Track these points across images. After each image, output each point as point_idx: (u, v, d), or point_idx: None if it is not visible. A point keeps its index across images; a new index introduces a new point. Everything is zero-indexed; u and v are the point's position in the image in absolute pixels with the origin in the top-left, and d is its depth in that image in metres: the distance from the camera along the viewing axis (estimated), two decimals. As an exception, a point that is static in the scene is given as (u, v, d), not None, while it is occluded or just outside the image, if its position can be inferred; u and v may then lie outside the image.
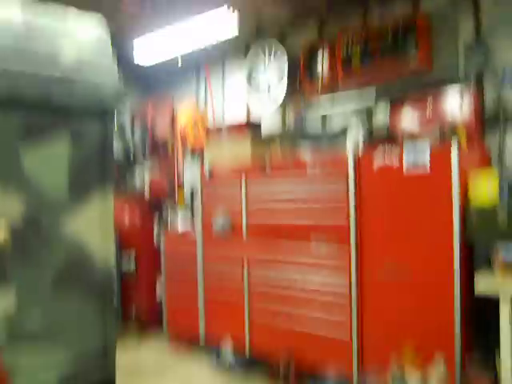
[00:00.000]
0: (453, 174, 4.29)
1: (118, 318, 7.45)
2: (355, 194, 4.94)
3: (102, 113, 3.15)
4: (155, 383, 5.94)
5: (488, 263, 4.08)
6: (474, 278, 4.01)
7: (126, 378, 5.64)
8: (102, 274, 3.00)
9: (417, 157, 4.46)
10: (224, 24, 6.43)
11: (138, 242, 7.79)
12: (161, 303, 7.47)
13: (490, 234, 4.15)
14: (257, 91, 7.53)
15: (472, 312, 4.48)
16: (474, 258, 4.33)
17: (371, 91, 6.23)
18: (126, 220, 7.81)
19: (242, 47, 7.83)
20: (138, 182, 8.64)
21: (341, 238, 5.04)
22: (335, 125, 6.65)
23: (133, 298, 7.69)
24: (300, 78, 6.92)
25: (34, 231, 2.75)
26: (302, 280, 5.41)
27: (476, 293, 3.91)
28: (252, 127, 6.59)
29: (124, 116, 8.78)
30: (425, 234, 4.51)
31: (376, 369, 4.50)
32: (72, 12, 3.21)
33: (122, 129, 8.68)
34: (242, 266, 6.05)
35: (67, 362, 2.87)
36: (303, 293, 5.41)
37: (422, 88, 5.75)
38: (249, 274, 6.01)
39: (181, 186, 8.46)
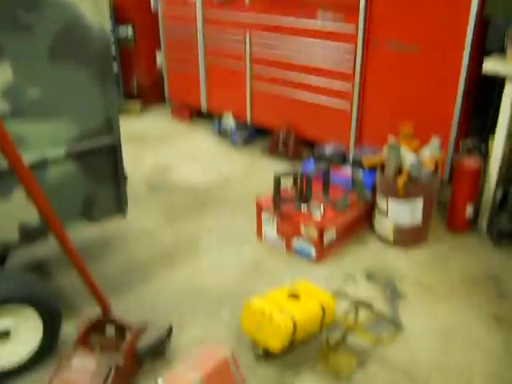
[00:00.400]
0: None
1: (120, 90, 7.48)
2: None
3: None
4: (159, 148, 6.23)
5: (501, 49, 3.90)
6: (483, 60, 3.88)
7: (131, 144, 6.01)
8: (99, 42, 2.91)
9: None
10: None
11: (136, 14, 7.35)
12: (161, 74, 7.40)
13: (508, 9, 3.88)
14: None
15: (473, 97, 4.49)
16: (486, 41, 4.16)
17: None
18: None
19: None
20: None
21: (350, 6, 4.75)
22: None
23: (133, 70, 7.57)
24: None
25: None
26: (306, 49, 5.26)
27: (483, 72, 3.83)
28: None
29: None
30: (439, 9, 4.24)
31: (373, 141, 4.68)
32: None
33: None
34: (244, 33, 5.81)
35: (72, 132, 2.97)
36: (307, 61, 5.31)
37: None
38: (251, 40, 5.79)
39: None
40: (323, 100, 5.29)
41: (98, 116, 3.05)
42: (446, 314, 3.31)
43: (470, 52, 4.17)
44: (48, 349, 2.89)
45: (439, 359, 2.94)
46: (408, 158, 3.78)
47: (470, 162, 4.00)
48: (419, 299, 3.44)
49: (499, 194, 4.04)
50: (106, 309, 2.79)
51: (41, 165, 2.85)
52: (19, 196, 2.82)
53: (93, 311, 2.88)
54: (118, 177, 3.24)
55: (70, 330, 2.99)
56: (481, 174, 4.08)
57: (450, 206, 4.23)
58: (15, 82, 2.67)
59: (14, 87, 2.68)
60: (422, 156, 3.93)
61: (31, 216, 2.91)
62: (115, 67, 7.15)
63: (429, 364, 2.90)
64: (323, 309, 2.95)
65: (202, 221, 4.49)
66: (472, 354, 2.98)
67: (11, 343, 2.78)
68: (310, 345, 3.02)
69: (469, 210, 4.14)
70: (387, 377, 2.81)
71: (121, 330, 2.87)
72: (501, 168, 4.01)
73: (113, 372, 2.52)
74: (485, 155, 4.11)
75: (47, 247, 3.81)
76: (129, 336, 2.75)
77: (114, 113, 3.12)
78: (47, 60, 2.75)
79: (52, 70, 2.79)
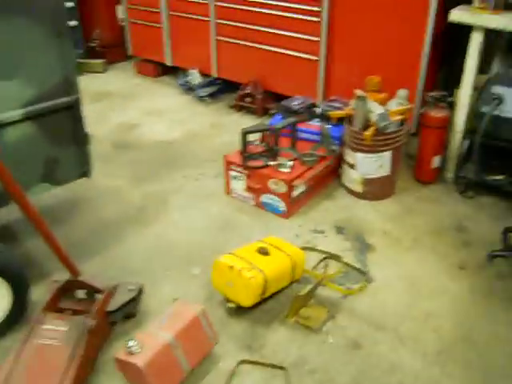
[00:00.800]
0: None
1: (81, 47, 7.18)
2: None
3: None
4: (123, 106, 6.07)
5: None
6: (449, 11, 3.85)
7: (95, 103, 5.85)
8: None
9: None
10: None
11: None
12: (123, 28, 7.14)
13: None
14: None
15: (440, 49, 4.48)
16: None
17: None
18: None
19: None
20: None
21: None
22: None
23: (93, 23, 7.26)
24: None
25: None
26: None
27: (449, 20, 3.80)
28: None
29: None
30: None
31: (340, 94, 4.64)
32: None
33: None
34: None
35: (28, 93, 2.83)
36: (273, 11, 5.18)
37: None
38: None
39: None
40: (291, 52, 5.20)
41: (55, 75, 2.91)
42: (413, 264, 3.37)
43: (437, 1, 4.13)
44: (17, 315, 2.84)
45: (407, 308, 3.01)
46: (375, 110, 3.76)
47: (437, 114, 4.01)
48: (387, 250, 3.50)
49: (465, 145, 4.08)
50: (74, 272, 2.75)
51: (-4, 127, 2.76)
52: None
53: (62, 275, 2.84)
54: (79, 137, 3.15)
55: (39, 295, 2.95)
56: (447, 125, 4.10)
57: (418, 157, 4.26)
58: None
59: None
60: (389, 108, 3.93)
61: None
62: (75, 22, 6.85)
63: (397, 313, 2.97)
64: (293, 262, 2.98)
65: (169, 178, 4.44)
66: (439, 303, 3.06)
67: (-21, 310, 2.75)
68: (280, 299, 3.06)
69: (436, 161, 4.18)
70: (357, 327, 2.87)
71: (91, 292, 2.85)
72: (467, 119, 4.04)
73: (85, 334, 2.51)
74: (451, 107, 4.13)
75: (11, 211, 3.73)
76: (99, 298, 2.74)
77: (72, 72, 2.99)
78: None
79: (1, 27, 2.63)
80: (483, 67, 4.07)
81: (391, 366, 2.63)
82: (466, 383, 2.54)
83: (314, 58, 5.03)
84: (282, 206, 3.80)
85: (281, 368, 2.60)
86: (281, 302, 3.02)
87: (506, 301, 3.06)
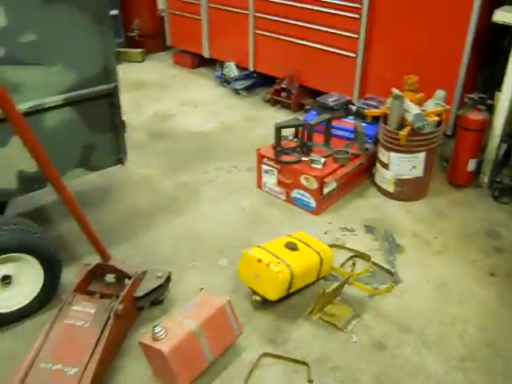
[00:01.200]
0: None
1: (121, 37, 7.29)
2: None
3: None
4: (160, 96, 6.13)
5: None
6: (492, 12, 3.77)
7: (132, 92, 5.92)
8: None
9: None
10: None
11: None
12: (163, 19, 7.20)
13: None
14: None
15: (481, 50, 4.38)
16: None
17: None
18: None
19: None
20: None
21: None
22: None
23: (134, 16, 7.35)
24: None
25: None
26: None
27: (492, 20, 3.72)
28: None
29: None
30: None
31: (377, 92, 4.60)
32: None
33: None
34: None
35: (69, 79, 2.89)
36: (314, 4, 5.13)
37: None
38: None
39: None
40: (328, 48, 5.17)
41: (95, 63, 2.97)
42: (442, 267, 3.33)
43: (481, 1, 4.05)
44: (48, 295, 2.94)
45: (434, 312, 2.98)
46: (411, 109, 3.72)
47: (475, 116, 3.93)
48: (417, 252, 3.46)
49: (503, 149, 4.00)
50: (105, 257, 2.81)
51: (37, 112, 2.81)
52: (16, 144, 2.79)
53: (92, 259, 2.91)
54: (116, 125, 3.20)
55: (70, 277, 3.03)
56: (485, 128, 4.02)
57: (453, 160, 4.19)
58: (9, 27, 2.58)
59: (8, 32, 2.59)
60: (425, 108, 3.87)
61: (29, 165, 2.88)
62: (116, 11, 6.95)
63: (423, 316, 2.94)
64: (320, 259, 2.98)
65: (202, 169, 4.48)
66: (466, 308, 3.02)
67: (13, 290, 2.83)
68: (306, 295, 3.07)
69: (471, 165, 4.10)
70: (382, 327, 2.86)
71: (120, 277, 2.92)
72: (506, 123, 3.95)
73: (112, 318, 2.57)
74: (490, 110, 4.04)
75: (47, 195, 3.82)
76: (128, 283, 2.79)
77: (112, 60, 3.04)
78: (41, 4, 2.65)
79: (46, 15, 2.69)
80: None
81: (414, 369, 2.61)
82: (490, 391, 2.52)
83: (352, 54, 4.98)
84: (312, 202, 3.79)
85: (303, 363, 2.61)
86: (306, 298, 3.03)
87: (537, 310, 3.00)
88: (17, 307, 2.84)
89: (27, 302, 2.86)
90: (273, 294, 2.81)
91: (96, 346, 2.47)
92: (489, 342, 2.79)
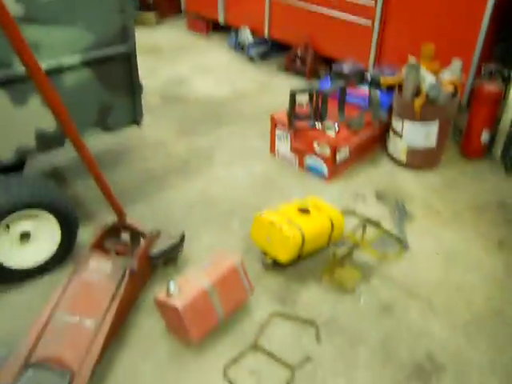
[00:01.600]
0: None
1: (136, 0, 7.24)
2: None
3: None
4: (173, 61, 6.13)
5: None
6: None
7: (145, 56, 5.91)
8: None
9: None
10: None
11: None
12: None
13: None
14: None
15: (500, 21, 4.32)
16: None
17: None
18: None
19: None
20: None
21: None
22: None
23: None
24: None
25: None
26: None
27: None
28: None
29: None
30: None
31: (392, 61, 4.57)
32: None
33: None
34: None
35: (87, 39, 2.92)
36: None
37: None
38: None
39: None
40: (345, 15, 5.12)
41: (113, 24, 2.99)
42: (451, 236, 3.37)
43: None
44: (65, 252, 3.02)
45: (441, 279, 3.03)
46: (427, 79, 3.70)
47: (491, 87, 3.91)
48: (426, 221, 3.50)
49: (517, 122, 3.99)
50: (121, 215, 2.87)
51: (56, 71, 2.84)
52: (35, 103, 2.84)
53: (108, 218, 2.98)
54: (133, 86, 3.23)
55: (86, 235, 3.11)
56: (500, 100, 4.00)
57: (466, 131, 4.19)
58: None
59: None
60: (441, 78, 3.86)
61: (47, 123, 2.94)
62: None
63: (430, 283, 3.00)
64: (332, 224, 3.02)
65: (215, 134, 4.51)
66: (473, 276, 3.07)
67: (31, 246, 2.90)
68: (317, 258, 3.13)
69: (484, 137, 4.10)
70: (389, 292, 2.92)
71: (135, 236, 2.98)
72: (522, 95, 3.94)
73: (127, 274, 2.64)
74: (506, 81, 4.01)
75: (64, 155, 3.89)
76: (143, 242, 2.86)
77: (130, 21, 3.05)
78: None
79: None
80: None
81: (420, 332, 2.68)
82: (492, 356, 2.57)
83: (368, 22, 4.93)
84: (324, 168, 3.83)
85: (311, 323, 2.69)
86: (317, 262, 3.09)
87: (543, 281, 3.05)
88: (35, 263, 2.92)
89: (45, 258, 2.94)
90: (284, 257, 2.87)
91: (112, 300, 2.55)
92: (495, 310, 2.84)
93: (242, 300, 2.75)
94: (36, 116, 2.88)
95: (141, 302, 2.82)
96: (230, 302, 2.65)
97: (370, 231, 3.34)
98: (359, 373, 2.47)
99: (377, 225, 3.38)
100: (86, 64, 2.96)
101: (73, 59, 2.88)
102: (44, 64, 2.70)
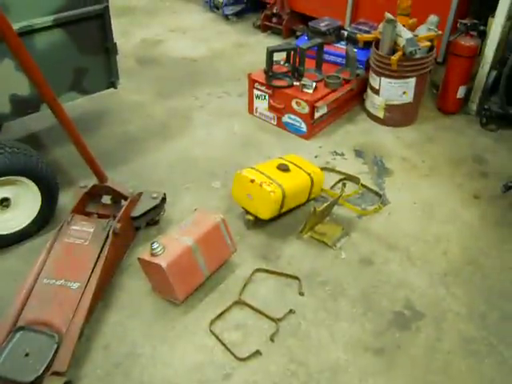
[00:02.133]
0: None
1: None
2: None
3: None
4: (148, 22, 6.00)
5: None
6: None
7: (119, 19, 5.77)
8: None
9: None
10: None
11: None
12: None
13: None
14: None
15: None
16: None
17: None
18: None
19: None
20: None
21: None
22: None
23: None
24: None
25: None
26: None
27: None
28: None
29: None
30: None
31: (369, 17, 4.55)
32: None
33: None
34: None
35: (59, 1, 2.83)
36: None
37: None
38: None
39: None
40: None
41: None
42: (428, 190, 3.44)
43: None
44: (46, 217, 3.02)
45: (419, 231, 3.11)
46: (404, 34, 3.70)
47: (467, 42, 3.93)
48: (404, 176, 3.56)
49: (492, 76, 4.02)
50: (102, 178, 2.86)
51: (28, 33, 2.76)
52: (9, 67, 2.78)
53: (88, 183, 2.95)
54: (107, 47, 3.17)
55: (66, 199, 3.11)
56: (476, 55, 4.03)
57: (443, 86, 4.22)
58: None
59: None
60: (417, 33, 3.86)
61: (22, 87, 2.89)
62: None
63: (409, 235, 3.08)
64: (311, 180, 3.07)
65: (193, 95, 4.47)
66: (449, 227, 3.15)
67: (12, 212, 2.90)
68: (297, 215, 3.18)
69: (460, 92, 4.14)
70: (369, 245, 2.99)
71: (116, 198, 2.99)
72: (497, 50, 3.96)
73: (110, 236, 2.66)
74: (482, 36, 4.03)
75: (39, 122, 3.84)
76: (124, 204, 2.87)
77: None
78: None
79: None
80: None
81: (399, 283, 2.76)
82: (469, 303, 2.67)
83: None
84: (303, 126, 3.84)
85: (294, 278, 2.75)
86: (298, 218, 3.14)
87: (517, 230, 3.15)
88: (16, 229, 2.92)
89: (26, 223, 2.94)
90: (265, 213, 2.92)
91: (96, 262, 2.57)
92: (470, 259, 2.94)
93: (226, 257, 2.80)
94: (9, 80, 2.82)
95: (125, 264, 2.85)
96: (213, 259, 2.70)
97: (350, 187, 3.40)
98: (341, 323, 2.55)
99: (356, 180, 3.44)
100: (58, 25, 2.88)
101: (44, 20, 2.81)
102: (15, 26, 2.64)
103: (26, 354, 2.20)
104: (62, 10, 2.86)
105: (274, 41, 5.39)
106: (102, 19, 3.06)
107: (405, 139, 3.94)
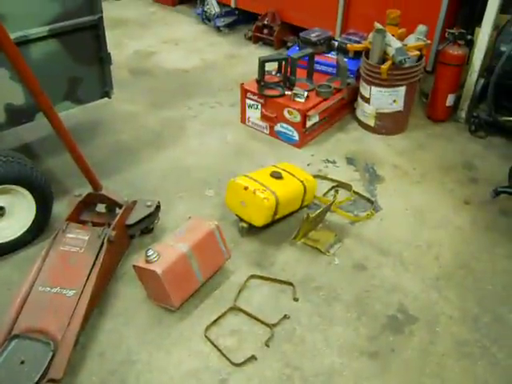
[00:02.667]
0: None
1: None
2: None
3: None
4: (140, 34, 6.06)
5: None
6: None
7: (112, 30, 5.82)
8: None
9: None
10: None
11: None
12: None
13: None
14: None
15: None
16: None
17: None
18: None
19: None
20: None
21: None
22: None
23: None
24: None
25: None
26: None
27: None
28: None
29: None
30: None
31: (359, 27, 4.62)
32: None
33: None
34: None
35: (53, 10, 2.87)
36: None
37: None
38: None
39: None
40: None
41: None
42: (419, 196, 3.48)
43: None
44: (41, 226, 3.03)
45: (411, 236, 3.15)
46: (393, 44, 3.77)
47: (455, 51, 4.00)
48: (396, 182, 3.60)
49: (480, 84, 4.09)
50: (96, 186, 2.88)
51: (22, 44, 2.79)
52: (3, 75, 2.80)
53: (82, 192, 2.97)
54: (101, 58, 3.20)
55: (60, 208, 3.12)
56: (464, 63, 4.10)
57: (432, 95, 4.28)
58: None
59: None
60: (407, 43, 3.93)
61: (17, 96, 2.92)
62: None
63: (401, 241, 3.11)
64: (304, 187, 3.11)
65: (186, 105, 4.51)
66: (441, 233, 3.19)
67: (6, 221, 2.91)
68: (291, 222, 3.21)
69: (449, 100, 4.20)
70: (362, 251, 3.02)
71: (111, 207, 3.01)
72: (484, 58, 4.03)
73: (105, 244, 2.67)
74: (470, 45, 4.11)
75: (33, 132, 3.86)
76: (119, 212, 2.88)
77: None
78: None
79: None
80: (505, 7, 4.01)
81: (393, 287, 2.79)
82: (461, 306, 2.70)
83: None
84: (295, 135, 3.88)
85: (289, 284, 2.77)
86: (291, 225, 3.17)
87: (507, 235, 3.18)
88: (11, 238, 2.93)
89: (20, 232, 2.95)
90: (259, 220, 2.94)
91: (91, 270, 2.58)
92: (462, 263, 2.97)
93: (220, 263, 2.82)
94: (4, 89, 2.85)
95: (119, 272, 2.86)
96: (208, 266, 2.72)
97: (342, 194, 3.44)
98: (336, 328, 2.57)
99: (348, 187, 3.48)
100: (53, 36, 2.92)
101: (39, 31, 2.85)
102: (11, 36, 2.68)
103: (22, 362, 2.19)
104: (57, 20, 2.89)
105: (266, 52, 5.44)
106: (96, 29, 3.10)
107: (396, 147, 3.99)
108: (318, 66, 4.22)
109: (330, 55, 4.34)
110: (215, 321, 2.57)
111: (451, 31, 4.04)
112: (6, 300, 2.45)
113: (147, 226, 3.04)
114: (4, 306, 2.41)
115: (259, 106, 3.99)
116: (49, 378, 2.16)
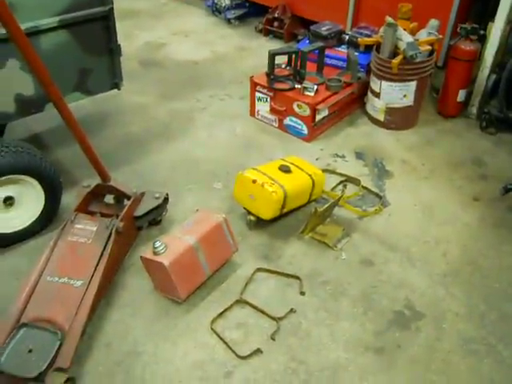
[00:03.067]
0: None
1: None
2: None
3: None
4: (151, 26, 6.04)
5: None
6: None
7: (122, 22, 5.81)
8: None
9: None
10: None
11: None
12: None
13: None
14: None
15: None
16: None
17: None
18: None
19: None
20: None
21: None
22: None
23: None
24: None
25: None
26: None
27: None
28: None
29: None
30: None
31: (370, 21, 4.58)
32: None
33: None
34: None
35: (64, 2, 2.86)
36: None
37: None
38: None
39: None
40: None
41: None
42: (428, 192, 3.47)
43: None
44: (50, 216, 3.05)
45: (419, 232, 3.13)
46: (404, 38, 3.74)
47: (467, 46, 3.96)
48: (404, 178, 3.59)
49: (492, 80, 4.06)
50: (105, 177, 2.89)
51: (33, 35, 2.78)
52: (14, 66, 2.81)
53: (91, 183, 2.98)
54: (112, 49, 3.20)
55: (69, 199, 3.12)
56: (476, 59, 4.06)
57: (443, 90, 4.25)
58: None
59: None
60: (418, 37, 3.90)
61: (26, 87, 2.92)
62: None
63: (409, 236, 3.10)
64: (312, 181, 3.10)
65: (195, 97, 4.51)
66: (450, 230, 3.18)
67: (16, 211, 2.93)
68: (298, 215, 3.21)
69: (460, 96, 4.17)
70: (370, 246, 3.02)
71: (119, 198, 3.02)
72: (496, 54, 3.99)
73: (113, 234, 2.68)
74: (482, 40, 4.07)
75: (43, 122, 3.87)
76: (127, 203, 2.89)
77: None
78: None
79: None
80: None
81: (400, 283, 2.79)
82: (468, 303, 2.70)
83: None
84: (304, 129, 3.87)
85: (295, 277, 2.78)
86: (299, 219, 3.17)
87: (516, 232, 3.17)
88: (20, 227, 2.95)
89: (29, 222, 2.97)
90: (267, 214, 2.94)
91: (99, 260, 2.59)
92: (469, 260, 2.96)
93: (227, 256, 2.83)
94: (14, 79, 2.85)
95: (127, 264, 2.88)
96: (215, 258, 2.73)
97: (350, 188, 3.43)
98: (342, 323, 2.57)
99: (356, 182, 3.47)
100: (64, 26, 2.91)
101: (50, 21, 2.84)
102: (21, 26, 2.68)
103: (30, 351, 2.21)
104: (67, 11, 2.89)
105: (276, 44, 5.41)
106: (106, 21, 3.09)
107: (405, 142, 3.97)
108: (328, 60, 4.19)
109: (340, 49, 4.32)
110: (221, 313, 2.58)
111: (464, 26, 4.00)
112: (15, 289, 2.46)
113: (155, 218, 3.05)
114: (13, 296, 2.42)
115: (268, 99, 3.97)
116: (56, 366, 2.18)
